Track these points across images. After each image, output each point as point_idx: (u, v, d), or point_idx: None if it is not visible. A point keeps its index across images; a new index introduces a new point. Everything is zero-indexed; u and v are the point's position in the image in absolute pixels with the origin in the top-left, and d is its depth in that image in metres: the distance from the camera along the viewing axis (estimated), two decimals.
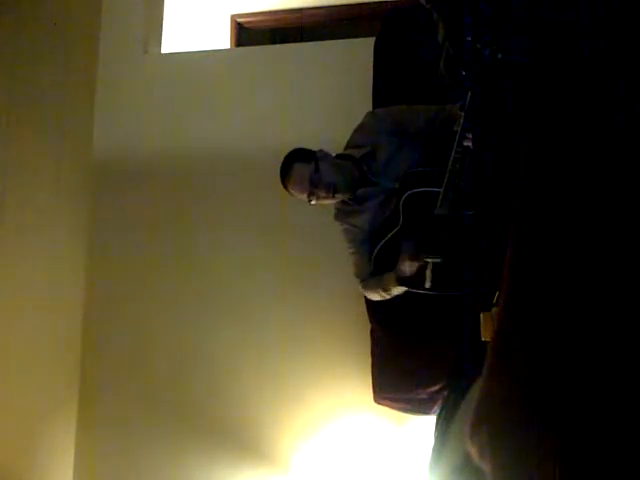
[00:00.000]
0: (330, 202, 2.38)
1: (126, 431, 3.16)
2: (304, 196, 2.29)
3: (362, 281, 2.39)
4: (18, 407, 2.92)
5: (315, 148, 2.40)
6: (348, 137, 2.46)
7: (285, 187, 2.34)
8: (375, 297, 2.40)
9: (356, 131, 2.45)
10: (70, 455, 3.19)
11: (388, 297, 2.34)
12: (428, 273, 2.14)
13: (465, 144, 1.87)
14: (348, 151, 2.42)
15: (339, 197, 2.34)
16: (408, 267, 2.15)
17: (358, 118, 2.47)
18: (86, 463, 3.19)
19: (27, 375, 2.99)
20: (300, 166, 2.29)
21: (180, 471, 3.10)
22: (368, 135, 2.40)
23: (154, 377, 3.17)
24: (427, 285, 2.13)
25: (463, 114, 1.80)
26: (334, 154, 2.41)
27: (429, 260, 2.14)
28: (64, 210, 3.29)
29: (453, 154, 1.92)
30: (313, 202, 2.29)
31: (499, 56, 1.03)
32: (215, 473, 3.05)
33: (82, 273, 3.31)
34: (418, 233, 2.13)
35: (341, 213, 2.45)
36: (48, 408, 3.16)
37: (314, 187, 2.26)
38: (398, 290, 2.28)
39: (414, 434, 2.77)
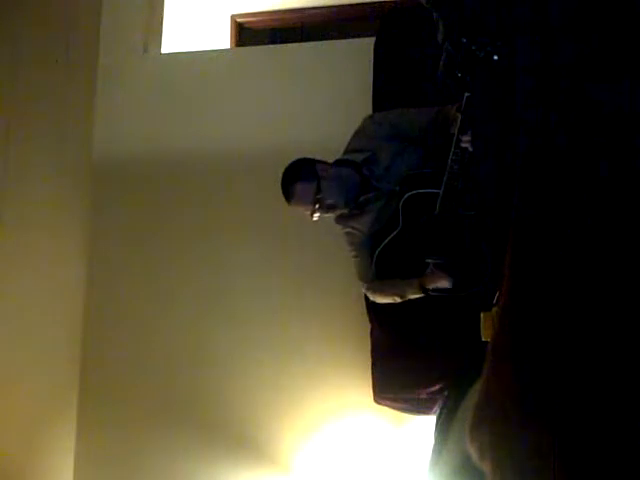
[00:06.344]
0: (332, 215, 2.39)
1: (126, 433, 3.16)
2: (307, 213, 2.31)
3: (367, 284, 2.37)
4: (18, 410, 2.92)
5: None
6: (348, 137, 2.45)
7: (287, 202, 2.35)
8: (384, 300, 2.37)
9: (355, 136, 2.43)
10: (70, 458, 3.18)
11: (399, 301, 2.32)
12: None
13: (463, 145, 1.87)
14: (348, 156, 2.41)
15: (340, 211, 2.37)
16: (446, 283, 2.13)
17: (358, 118, 2.46)
18: (86, 466, 3.18)
19: (27, 378, 2.99)
20: (303, 186, 2.29)
21: (181, 472, 3.09)
22: (368, 140, 2.39)
23: (154, 379, 3.17)
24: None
25: (460, 115, 1.80)
26: (333, 160, 2.40)
27: (430, 261, 2.14)
28: (64, 211, 3.29)
29: (451, 155, 1.92)
30: (315, 218, 2.31)
31: (495, 58, 1.03)
32: (216, 474, 3.05)
33: (82, 275, 3.30)
34: (425, 238, 2.13)
35: (343, 217, 2.44)
36: (48, 411, 3.15)
37: (317, 207, 2.28)
38: (415, 296, 2.25)
39: (414, 434, 2.77)
